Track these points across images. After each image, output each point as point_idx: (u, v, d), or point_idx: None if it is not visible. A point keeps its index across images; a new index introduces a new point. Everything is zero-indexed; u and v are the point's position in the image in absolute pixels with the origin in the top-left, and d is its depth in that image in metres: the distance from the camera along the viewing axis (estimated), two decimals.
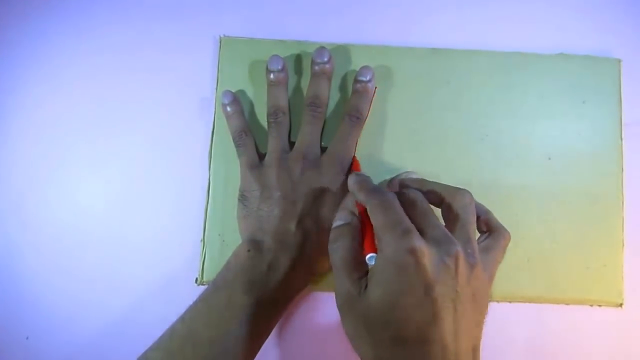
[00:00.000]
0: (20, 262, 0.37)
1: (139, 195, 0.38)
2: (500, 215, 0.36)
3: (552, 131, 0.37)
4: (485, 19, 0.39)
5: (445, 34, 0.39)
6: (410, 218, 0.26)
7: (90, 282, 0.37)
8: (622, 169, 0.37)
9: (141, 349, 0.31)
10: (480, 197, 0.36)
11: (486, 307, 0.27)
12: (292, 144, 0.36)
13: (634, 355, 0.36)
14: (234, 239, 0.35)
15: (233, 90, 0.37)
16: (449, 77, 0.38)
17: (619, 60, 0.38)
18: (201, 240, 0.37)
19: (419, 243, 0.24)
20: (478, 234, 0.30)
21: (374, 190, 0.28)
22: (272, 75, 0.36)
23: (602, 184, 0.37)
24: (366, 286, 0.26)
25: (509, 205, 0.37)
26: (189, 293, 0.32)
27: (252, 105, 0.38)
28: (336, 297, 0.28)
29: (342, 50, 0.38)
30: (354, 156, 0.35)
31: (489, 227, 0.30)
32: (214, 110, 0.38)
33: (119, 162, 0.38)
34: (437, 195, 0.29)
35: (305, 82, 0.37)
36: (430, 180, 0.31)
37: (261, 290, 0.31)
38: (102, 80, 0.39)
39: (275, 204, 0.33)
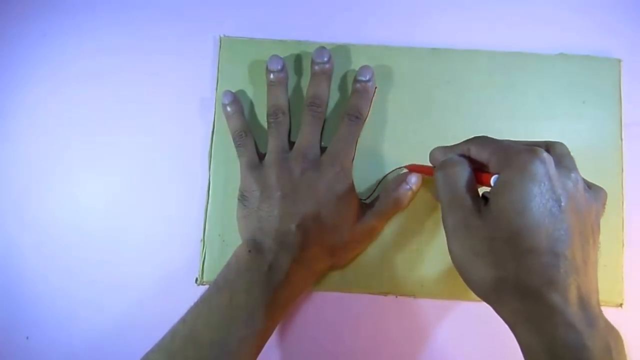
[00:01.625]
0: (20, 262, 0.37)
1: (139, 195, 0.38)
2: None
3: (552, 131, 0.37)
4: (485, 19, 0.39)
5: (445, 34, 0.39)
6: None
7: (90, 282, 0.37)
8: (622, 169, 0.37)
9: (141, 348, 0.31)
10: None
11: (598, 249, 0.27)
12: (292, 144, 0.36)
13: (634, 355, 0.36)
14: (234, 239, 0.35)
15: (233, 90, 0.37)
16: (449, 77, 0.38)
17: (619, 60, 0.38)
18: (201, 240, 0.37)
19: (547, 155, 0.25)
20: None
21: (466, 142, 0.30)
22: (272, 75, 0.36)
23: (602, 184, 0.37)
24: (486, 203, 0.26)
25: None
26: (189, 293, 0.32)
27: (252, 105, 0.38)
28: (446, 222, 0.27)
29: (342, 50, 0.38)
30: (411, 167, 0.35)
31: (587, 183, 0.29)
32: (214, 110, 0.38)
33: (119, 162, 0.38)
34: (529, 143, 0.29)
35: (305, 82, 0.37)
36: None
37: (262, 290, 0.31)
38: (102, 80, 0.39)
39: (275, 204, 0.33)
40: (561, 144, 0.29)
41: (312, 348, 0.36)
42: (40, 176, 0.38)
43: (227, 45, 0.38)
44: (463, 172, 0.28)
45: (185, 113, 0.38)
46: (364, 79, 0.36)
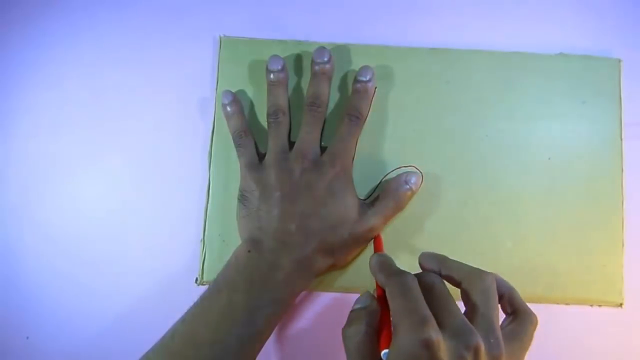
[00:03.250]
0: (20, 262, 0.37)
1: (139, 196, 0.38)
2: (501, 215, 0.36)
3: (552, 131, 0.37)
4: (485, 19, 0.39)
5: (445, 34, 0.39)
6: (428, 303, 0.24)
7: (90, 282, 0.37)
8: (622, 169, 0.37)
9: (141, 348, 0.31)
10: (480, 197, 0.36)
11: None
12: (292, 144, 0.36)
13: (634, 355, 0.36)
14: (234, 239, 0.35)
15: (233, 90, 0.37)
16: (449, 77, 0.38)
17: (619, 60, 0.38)
18: (201, 240, 0.37)
19: (435, 335, 0.22)
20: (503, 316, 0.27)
21: (394, 273, 0.27)
22: (272, 75, 0.36)
23: (602, 184, 0.37)
24: None
25: (509, 205, 0.37)
26: (189, 293, 0.32)
27: (252, 105, 0.38)
28: None
29: (342, 50, 0.38)
30: (377, 235, 0.34)
31: (513, 309, 0.27)
32: (214, 110, 0.38)
33: (119, 162, 0.38)
34: (454, 279, 0.27)
35: (305, 82, 0.37)
36: (450, 258, 0.28)
37: (262, 290, 0.31)
38: (102, 80, 0.39)
39: (275, 204, 0.33)
40: (483, 278, 0.26)
41: (312, 348, 0.36)
42: (40, 176, 0.38)
43: (227, 45, 0.38)
44: (360, 339, 0.26)
45: (185, 113, 0.38)
46: (364, 79, 0.36)
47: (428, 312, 0.24)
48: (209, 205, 0.37)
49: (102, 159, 0.38)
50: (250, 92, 0.38)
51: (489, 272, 0.26)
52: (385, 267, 0.28)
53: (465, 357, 0.23)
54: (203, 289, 0.32)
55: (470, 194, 0.37)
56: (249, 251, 0.32)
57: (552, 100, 0.38)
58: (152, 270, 0.37)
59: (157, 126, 0.38)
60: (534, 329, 0.26)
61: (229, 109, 0.36)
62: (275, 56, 0.36)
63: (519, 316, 0.27)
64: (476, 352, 0.23)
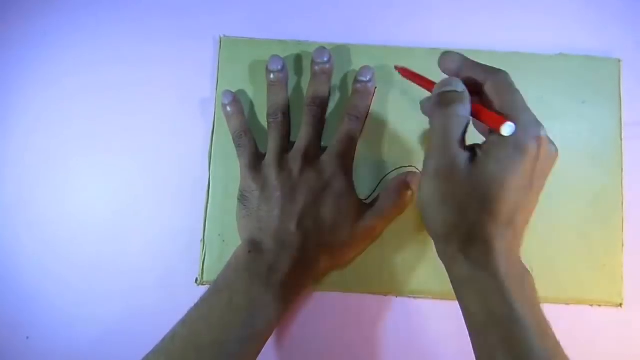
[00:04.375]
0: (20, 262, 0.37)
1: (139, 196, 0.38)
2: None
3: (552, 131, 0.37)
4: (485, 19, 0.39)
5: (445, 34, 0.39)
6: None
7: (90, 282, 0.37)
8: (622, 169, 0.37)
9: (141, 348, 0.31)
10: None
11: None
12: (292, 144, 0.36)
13: (634, 355, 0.36)
14: (234, 239, 0.35)
15: (233, 90, 0.37)
16: None
17: (619, 60, 0.38)
18: (201, 241, 0.37)
19: (545, 134, 0.26)
20: None
21: (490, 68, 0.29)
22: (272, 75, 0.36)
23: (602, 184, 0.37)
24: (474, 157, 0.27)
25: None
26: (189, 293, 0.32)
27: (252, 105, 0.38)
28: (429, 163, 0.28)
29: (342, 50, 0.38)
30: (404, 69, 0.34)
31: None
32: (214, 110, 0.38)
33: (119, 162, 0.38)
34: (476, 79, 0.29)
35: (305, 82, 0.37)
36: (467, 57, 0.30)
37: (262, 290, 0.31)
38: (103, 80, 0.39)
39: (275, 204, 0.33)
40: (505, 74, 0.28)
41: (312, 348, 0.36)
42: (40, 176, 0.38)
43: (227, 45, 0.38)
44: (462, 120, 0.27)
45: (185, 113, 0.38)
46: (364, 79, 0.36)
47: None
48: (208, 205, 0.37)
49: (102, 158, 0.38)
50: (250, 92, 0.38)
51: (501, 69, 0.28)
52: (477, 64, 0.29)
53: (548, 162, 0.27)
54: (203, 289, 0.32)
55: None
56: (249, 251, 0.32)
57: (552, 100, 0.38)
58: (152, 270, 0.37)
59: (157, 126, 0.38)
60: None
61: (229, 109, 0.36)
62: (275, 56, 0.36)
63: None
64: (540, 144, 0.26)
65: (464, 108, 0.27)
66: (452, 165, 0.27)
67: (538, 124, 0.27)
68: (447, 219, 0.27)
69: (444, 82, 0.29)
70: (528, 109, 0.27)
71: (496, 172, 0.26)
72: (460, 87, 0.28)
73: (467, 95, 0.28)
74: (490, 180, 0.26)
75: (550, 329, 0.26)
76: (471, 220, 0.26)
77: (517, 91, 0.28)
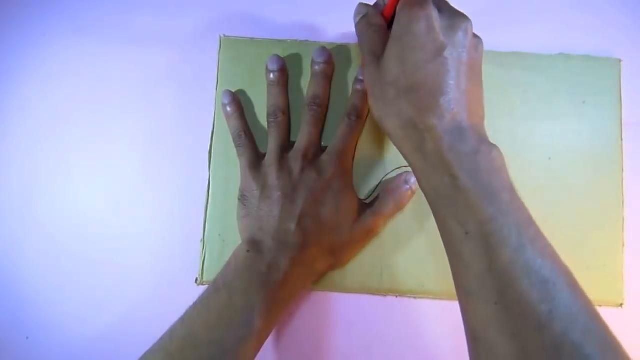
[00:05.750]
0: (20, 262, 0.37)
1: (139, 196, 0.38)
2: None
3: (552, 131, 0.37)
4: (485, 19, 0.39)
5: None
6: None
7: (90, 282, 0.37)
8: (622, 169, 0.37)
9: (141, 348, 0.31)
10: None
11: (482, 85, 0.30)
12: (292, 144, 0.36)
13: (634, 356, 0.36)
14: (234, 239, 0.35)
15: (233, 90, 0.37)
16: None
17: (619, 60, 0.38)
18: (201, 240, 0.37)
19: (433, 11, 0.27)
20: None
21: None
22: (272, 75, 0.36)
23: (602, 184, 0.37)
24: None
25: None
26: (189, 293, 0.32)
27: (252, 105, 0.38)
28: (365, 77, 0.31)
29: (342, 50, 0.38)
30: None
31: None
32: (214, 110, 0.38)
33: (119, 162, 0.38)
34: None
35: (305, 82, 0.37)
36: None
37: (261, 290, 0.31)
38: (103, 81, 0.39)
39: (275, 203, 0.33)
40: None
41: (312, 348, 0.36)
42: (41, 176, 0.38)
43: (227, 45, 0.38)
44: (381, 31, 0.30)
45: (185, 113, 0.38)
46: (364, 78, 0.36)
47: None
48: (209, 205, 0.37)
49: (102, 158, 0.38)
50: (250, 92, 0.38)
51: None
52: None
53: (458, 31, 0.27)
54: (203, 289, 0.32)
55: None
56: (248, 251, 0.32)
57: (552, 100, 0.38)
58: (152, 270, 0.37)
59: (157, 126, 0.38)
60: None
61: (229, 109, 0.36)
62: (275, 56, 0.36)
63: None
64: (466, 31, 0.28)
65: (382, 23, 0.31)
66: (371, 66, 0.30)
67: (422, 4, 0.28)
68: (395, 121, 0.28)
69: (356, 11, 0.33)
70: (452, 7, 0.29)
71: (396, 53, 0.28)
72: (363, 10, 0.32)
73: (370, 12, 0.31)
74: (394, 62, 0.28)
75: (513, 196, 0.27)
76: (402, 107, 0.28)
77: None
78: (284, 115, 0.36)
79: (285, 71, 0.37)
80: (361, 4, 0.32)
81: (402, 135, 0.28)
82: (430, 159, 0.27)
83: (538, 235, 0.26)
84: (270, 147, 0.35)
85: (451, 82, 0.27)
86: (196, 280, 0.36)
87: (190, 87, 0.38)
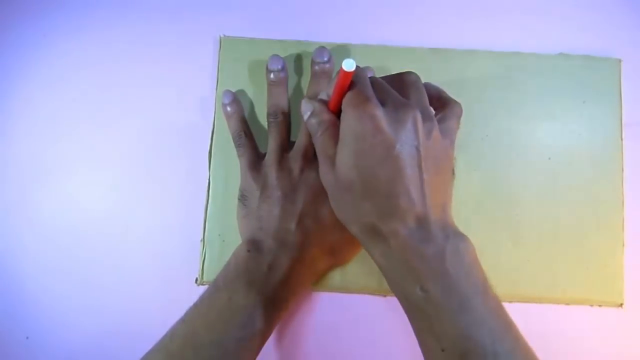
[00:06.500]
0: (20, 262, 0.37)
1: (139, 195, 0.38)
2: (501, 215, 0.36)
3: (552, 131, 0.37)
4: (485, 19, 0.39)
5: (445, 34, 0.39)
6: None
7: (90, 282, 0.37)
8: (622, 169, 0.37)
9: (141, 348, 0.31)
10: (480, 197, 0.37)
11: (450, 170, 0.30)
12: (292, 144, 0.36)
13: (634, 356, 0.36)
14: (234, 239, 0.35)
15: (233, 90, 0.37)
16: (449, 77, 0.38)
17: (619, 60, 0.38)
18: (201, 240, 0.37)
19: (377, 109, 0.27)
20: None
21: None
22: (272, 75, 0.36)
23: (602, 184, 0.37)
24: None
25: (509, 205, 0.37)
26: (189, 293, 0.32)
27: (252, 105, 0.38)
28: (321, 177, 0.30)
29: (342, 50, 0.38)
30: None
31: (441, 103, 0.32)
32: (214, 110, 0.38)
33: (119, 162, 0.38)
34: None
35: (305, 82, 0.37)
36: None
37: (261, 290, 0.31)
38: (103, 81, 0.39)
39: (275, 203, 0.33)
40: (409, 73, 0.30)
41: (312, 348, 0.36)
42: (40, 176, 0.38)
43: (227, 45, 0.38)
44: (331, 128, 0.29)
45: (185, 113, 0.38)
46: None
47: (372, 93, 0.27)
48: (209, 205, 0.37)
49: (102, 158, 0.38)
50: (250, 92, 0.38)
51: (409, 71, 0.30)
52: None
53: (406, 124, 0.27)
54: (203, 289, 0.32)
55: (470, 194, 0.37)
56: (248, 251, 0.32)
57: (553, 100, 0.38)
58: (152, 270, 0.37)
59: (157, 126, 0.38)
60: (460, 113, 0.32)
61: (229, 108, 0.36)
62: (275, 56, 0.36)
63: (446, 106, 0.31)
64: (414, 121, 0.27)
65: (323, 114, 0.30)
66: (325, 173, 0.29)
67: (364, 107, 0.27)
68: (350, 220, 0.29)
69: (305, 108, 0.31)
70: (400, 98, 0.28)
71: (347, 159, 0.28)
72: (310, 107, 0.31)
73: (317, 109, 0.30)
74: (346, 168, 0.28)
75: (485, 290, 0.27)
76: (363, 213, 0.28)
77: (413, 87, 0.30)
78: (284, 115, 0.36)
79: (286, 71, 0.37)
80: (306, 100, 0.31)
81: (367, 241, 0.28)
82: (398, 266, 0.27)
83: (515, 346, 0.26)
84: (270, 147, 0.35)
85: (407, 180, 0.26)
86: (196, 280, 0.36)
87: (190, 87, 0.38)
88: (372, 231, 0.27)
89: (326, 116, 0.30)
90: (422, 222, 0.26)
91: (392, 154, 0.26)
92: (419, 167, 0.27)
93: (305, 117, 0.31)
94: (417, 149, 0.27)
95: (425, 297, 0.26)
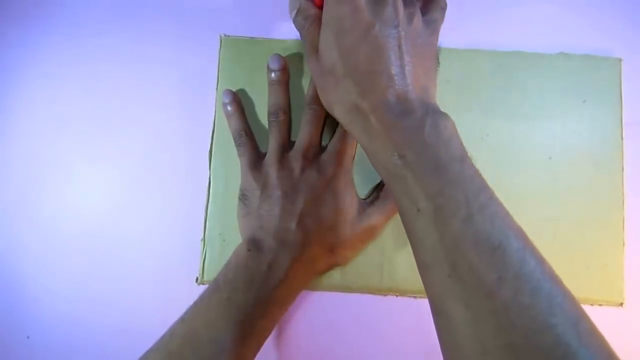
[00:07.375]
0: (20, 261, 0.37)
1: (139, 195, 0.38)
2: None
3: (552, 131, 0.37)
4: (485, 19, 0.39)
5: (446, 33, 0.38)
6: None
7: (90, 282, 0.37)
8: (622, 168, 0.37)
9: (141, 348, 0.31)
10: None
11: (433, 57, 0.30)
12: (292, 143, 0.36)
13: (634, 355, 0.36)
14: (235, 239, 0.35)
15: (234, 90, 0.37)
16: (449, 76, 0.38)
17: (620, 60, 0.38)
18: (201, 240, 0.37)
19: None
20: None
21: None
22: (272, 74, 0.36)
23: (602, 184, 0.37)
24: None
25: (508, 205, 0.36)
26: (189, 293, 0.32)
27: (252, 105, 0.38)
28: (309, 68, 0.31)
29: None
30: None
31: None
32: (214, 110, 0.38)
33: (119, 162, 0.38)
34: None
35: (306, 82, 0.37)
36: None
37: (261, 289, 0.31)
38: (103, 81, 0.39)
39: (275, 203, 0.33)
40: None
41: (312, 348, 0.36)
42: (40, 176, 0.38)
43: (227, 45, 0.38)
44: (317, 21, 0.30)
45: (186, 113, 0.38)
46: None
47: None
48: (209, 204, 0.37)
49: (102, 158, 0.38)
50: (250, 92, 0.38)
51: None
52: None
53: (386, 6, 0.27)
54: (203, 288, 0.32)
55: None
56: (248, 250, 0.32)
57: (553, 100, 0.38)
58: (152, 270, 0.37)
59: (157, 126, 0.38)
60: (445, 6, 0.32)
61: (229, 108, 0.36)
62: (276, 55, 0.36)
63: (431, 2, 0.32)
64: (394, 2, 0.27)
65: (309, 9, 0.31)
66: (311, 58, 0.30)
67: None
68: (335, 100, 0.29)
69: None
70: None
71: (328, 41, 0.28)
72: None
73: (303, 5, 0.31)
74: (328, 49, 0.28)
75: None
76: (346, 90, 0.28)
77: None
78: (285, 114, 0.36)
79: (287, 70, 0.37)
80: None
81: (349, 120, 0.29)
82: (377, 139, 0.27)
83: (489, 202, 0.26)
84: (271, 147, 0.35)
85: (386, 58, 0.27)
86: (196, 279, 0.36)
87: (190, 87, 0.38)
88: (354, 110, 0.28)
89: (312, 11, 0.31)
90: (402, 98, 0.27)
91: (371, 33, 0.27)
92: (399, 47, 0.27)
93: (292, 15, 0.32)
94: (397, 29, 0.27)
95: (402, 163, 0.26)
